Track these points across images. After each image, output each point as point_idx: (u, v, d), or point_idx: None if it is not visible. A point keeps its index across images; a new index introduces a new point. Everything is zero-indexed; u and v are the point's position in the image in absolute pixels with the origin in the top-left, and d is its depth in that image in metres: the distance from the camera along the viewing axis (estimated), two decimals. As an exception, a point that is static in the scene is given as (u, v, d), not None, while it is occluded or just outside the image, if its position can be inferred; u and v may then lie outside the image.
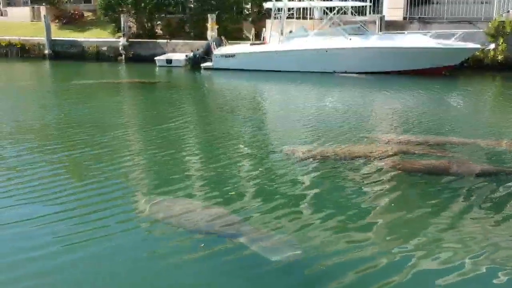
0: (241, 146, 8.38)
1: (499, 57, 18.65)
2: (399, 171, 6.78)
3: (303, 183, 6.48)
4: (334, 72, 18.38)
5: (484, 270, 4.32)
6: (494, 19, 19.05)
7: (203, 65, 20.04)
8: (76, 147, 8.14)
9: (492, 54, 18.66)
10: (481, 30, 18.75)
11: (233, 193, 6.11)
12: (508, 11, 19.41)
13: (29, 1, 30.22)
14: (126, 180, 6.54)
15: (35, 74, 20.68)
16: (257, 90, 16.12)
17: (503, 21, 18.68)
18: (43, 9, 27.45)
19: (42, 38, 24.19)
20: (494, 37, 18.70)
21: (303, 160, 7.38)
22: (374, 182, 6.49)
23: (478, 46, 17.73)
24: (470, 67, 18.74)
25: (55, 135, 9.17)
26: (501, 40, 18.57)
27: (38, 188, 6.18)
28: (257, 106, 13.01)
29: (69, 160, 7.45)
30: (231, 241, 4.66)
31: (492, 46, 18.12)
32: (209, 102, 14.09)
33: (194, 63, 20.39)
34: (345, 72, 18.23)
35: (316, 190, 6.22)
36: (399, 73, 17.69)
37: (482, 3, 20.08)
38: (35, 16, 28.36)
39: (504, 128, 10.00)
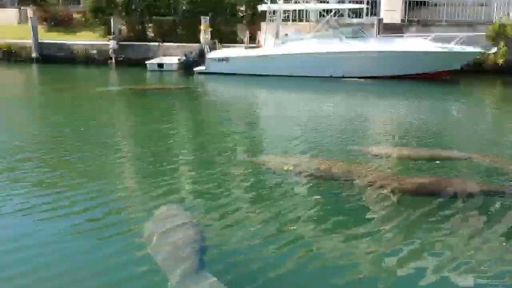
0: (221, 155, 7.83)
1: (500, 61, 18.24)
2: (387, 191, 6.02)
3: (272, 198, 5.90)
4: (331, 76, 17.85)
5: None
6: (494, 22, 18.63)
7: (196, 69, 19.42)
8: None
9: (492, 57, 18.23)
10: (482, 33, 18.31)
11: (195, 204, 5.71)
12: (508, 14, 19.00)
13: (17, 3, 29.39)
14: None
15: (24, 80, 19.83)
16: (251, 96, 15.53)
17: (504, 24, 18.25)
18: (30, 11, 26.65)
19: (29, 41, 23.40)
20: (494, 40, 18.27)
21: (276, 171, 6.82)
22: (355, 202, 5.77)
23: (479, 49, 17.27)
24: (470, 71, 18.32)
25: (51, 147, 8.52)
26: (502, 44, 18.15)
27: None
28: (248, 113, 12.31)
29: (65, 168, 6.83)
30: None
31: (494, 49, 17.63)
32: (205, 111, 13.38)
33: (187, 67, 19.79)
34: (343, 77, 17.71)
35: (284, 207, 5.60)
36: (398, 77, 17.18)
37: (481, 5, 19.67)
38: (23, 18, 27.56)
39: (505, 141, 9.31)
